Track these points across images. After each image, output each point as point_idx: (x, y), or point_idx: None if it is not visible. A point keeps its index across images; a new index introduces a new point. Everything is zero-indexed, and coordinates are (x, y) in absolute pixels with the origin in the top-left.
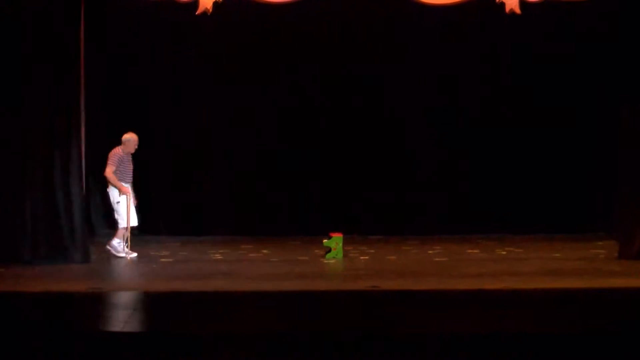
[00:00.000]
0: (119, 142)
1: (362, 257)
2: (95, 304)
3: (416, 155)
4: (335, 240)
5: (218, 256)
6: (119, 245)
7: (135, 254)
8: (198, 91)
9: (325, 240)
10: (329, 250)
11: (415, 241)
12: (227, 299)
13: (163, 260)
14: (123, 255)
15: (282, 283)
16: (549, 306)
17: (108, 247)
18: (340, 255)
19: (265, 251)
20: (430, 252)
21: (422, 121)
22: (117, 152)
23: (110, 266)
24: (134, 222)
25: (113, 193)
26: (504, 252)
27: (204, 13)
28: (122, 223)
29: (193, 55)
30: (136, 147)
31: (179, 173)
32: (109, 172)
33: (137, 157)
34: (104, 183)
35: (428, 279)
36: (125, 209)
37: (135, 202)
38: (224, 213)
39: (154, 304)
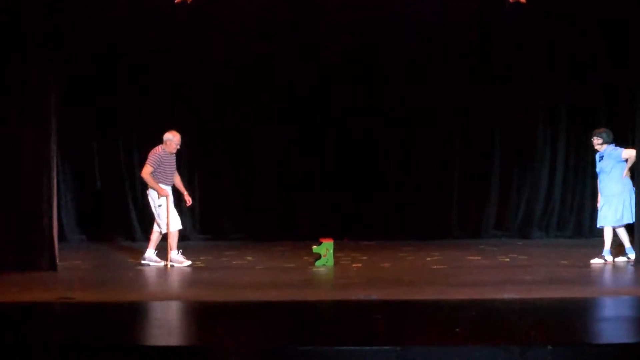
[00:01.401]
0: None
1: (354, 265)
2: (66, 314)
3: (413, 155)
4: (326, 247)
5: (199, 263)
6: (154, 255)
7: (189, 262)
8: (188, 90)
9: (314, 247)
10: (318, 257)
11: (412, 247)
12: (208, 310)
13: (140, 267)
14: (162, 263)
15: (268, 292)
16: (554, 317)
17: (143, 261)
18: (331, 262)
19: (249, 258)
20: (427, 259)
21: (418, 121)
22: (157, 152)
23: (80, 274)
24: (178, 225)
25: (153, 196)
26: (507, 259)
27: (184, 3)
28: (162, 229)
29: (185, 53)
30: (178, 146)
31: None
32: (146, 172)
33: (118, 158)
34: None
35: (425, 288)
36: (166, 213)
37: (189, 202)
38: (205, 217)
39: (127, 314)
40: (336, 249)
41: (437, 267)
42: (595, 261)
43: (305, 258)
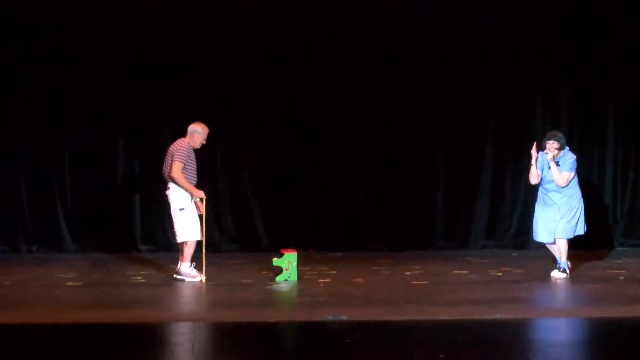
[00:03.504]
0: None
1: (321, 280)
2: None
3: (390, 154)
4: (288, 259)
5: (140, 279)
6: (191, 269)
7: (203, 277)
8: (129, 96)
9: (275, 259)
10: (279, 271)
11: (389, 260)
12: (146, 333)
13: (70, 284)
14: (200, 278)
15: (221, 313)
16: (553, 340)
17: (177, 276)
18: (294, 277)
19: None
20: (407, 273)
21: (396, 119)
22: (183, 145)
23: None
24: (198, 235)
25: (175, 198)
26: (500, 273)
27: None
28: (186, 237)
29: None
30: (204, 142)
31: (92, 178)
32: (177, 170)
33: (49, 160)
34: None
35: (403, 308)
36: (190, 218)
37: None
38: (147, 226)
39: (54, 338)
40: (300, 261)
41: (418, 282)
42: (558, 275)
43: (263, 272)
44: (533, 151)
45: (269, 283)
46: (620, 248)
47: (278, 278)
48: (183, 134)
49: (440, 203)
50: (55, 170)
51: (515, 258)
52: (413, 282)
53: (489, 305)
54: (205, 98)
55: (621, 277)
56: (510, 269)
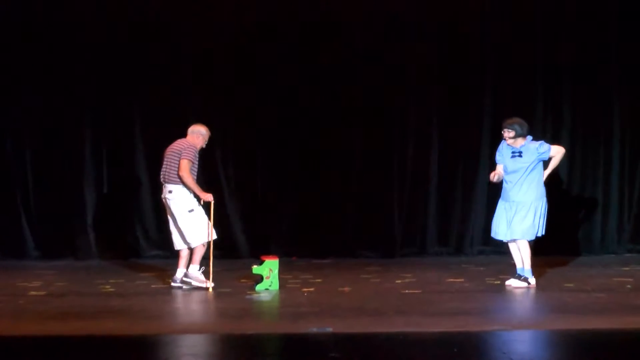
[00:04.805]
0: None
1: (305, 289)
2: None
3: (379, 154)
4: (269, 267)
5: (109, 287)
6: (200, 273)
7: (212, 284)
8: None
9: (255, 267)
10: (260, 279)
11: (378, 267)
12: (118, 345)
13: (33, 293)
14: (208, 285)
15: (196, 324)
16: (553, 354)
17: (186, 279)
18: (276, 286)
19: (171, 281)
20: (397, 281)
21: (385, 118)
22: (190, 145)
23: None
24: (213, 235)
25: (181, 201)
26: (497, 282)
27: None
28: (201, 240)
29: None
30: (204, 145)
31: (57, 179)
32: (186, 168)
33: (7, 160)
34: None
35: (394, 319)
36: (201, 219)
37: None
38: (116, 231)
39: (18, 352)
40: (282, 269)
41: (410, 291)
42: (516, 283)
43: (242, 281)
44: (492, 179)
45: (249, 292)
46: (628, 254)
47: (258, 287)
48: (156, 132)
49: (434, 206)
50: (15, 169)
51: (513, 265)
52: (404, 291)
53: (486, 316)
54: (178, 98)
55: (628, 286)
56: (508, 276)
